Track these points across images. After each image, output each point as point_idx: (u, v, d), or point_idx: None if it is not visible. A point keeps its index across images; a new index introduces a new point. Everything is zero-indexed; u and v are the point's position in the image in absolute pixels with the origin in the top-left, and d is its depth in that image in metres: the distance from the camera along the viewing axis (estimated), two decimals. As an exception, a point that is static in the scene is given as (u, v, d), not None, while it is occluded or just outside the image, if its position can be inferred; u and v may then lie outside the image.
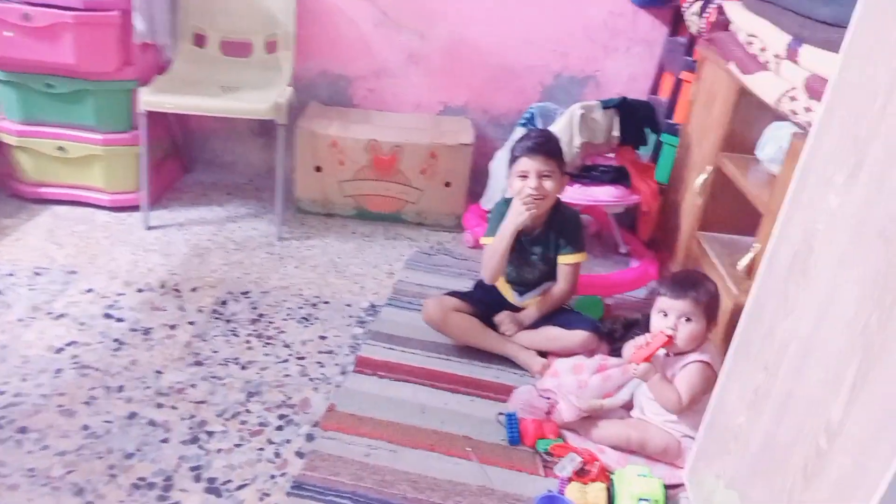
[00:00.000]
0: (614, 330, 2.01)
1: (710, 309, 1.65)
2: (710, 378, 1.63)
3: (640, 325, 2.06)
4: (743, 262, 1.75)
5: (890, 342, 0.86)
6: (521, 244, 1.92)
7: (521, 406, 1.68)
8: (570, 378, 1.85)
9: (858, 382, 0.89)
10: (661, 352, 1.65)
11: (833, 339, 0.98)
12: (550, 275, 1.97)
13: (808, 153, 1.12)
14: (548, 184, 1.90)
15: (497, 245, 1.88)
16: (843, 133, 1.04)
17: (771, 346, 1.18)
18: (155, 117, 2.39)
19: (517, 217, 1.89)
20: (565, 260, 1.94)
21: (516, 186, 1.91)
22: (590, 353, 1.86)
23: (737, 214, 2.05)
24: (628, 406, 1.74)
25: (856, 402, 0.89)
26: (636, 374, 1.62)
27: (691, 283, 1.67)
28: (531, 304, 1.97)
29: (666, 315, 1.65)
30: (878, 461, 0.85)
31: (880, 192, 0.92)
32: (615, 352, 1.90)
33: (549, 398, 1.69)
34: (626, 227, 2.62)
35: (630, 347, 1.69)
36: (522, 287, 2.00)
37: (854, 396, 0.90)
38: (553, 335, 1.88)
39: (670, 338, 1.63)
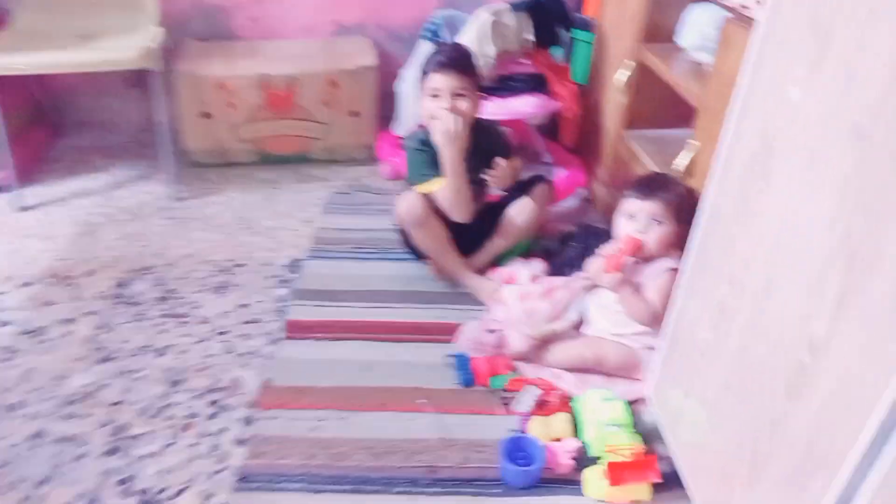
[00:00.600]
0: (550, 246, 2.00)
1: (681, 212, 1.60)
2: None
3: (575, 237, 2.06)
4: (682, 161, 1.66)
5: (881, 249, 0.77)
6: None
7: (469, 344, 1.64)
8: (517, 307, 1.79)
9: (845, 295, 0.84)
10: (630, 259, 1.62)
11: (807, 249, 0.92)
12: (481, 189, 1.91)
13: (759, 43, 1.01)
14: (463, 104, 1.78)
15: (453, 184, 1.80)
16: (798, 18, 0.93)
17: (734, 259, 1.12)
18: (6, 81, 2.11)
19: (451, 143, 1.77)
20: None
21: (429, 107, 1.77)
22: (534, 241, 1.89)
23: (663, 109, 2.04)
24: (579, 325, 1.71)
25: (843, 316, 0.84)
26: (606, 284, 1.56)
27: (660, 184, 1.62)
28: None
29: (634, 218, 1.58)
30: (874, 374, 0.81)
31: (850, 83, 0.82)
32: (556, 271, 1.88)
33: (496, 331, 1.65)
34: (548, 136, 2.63)
35: (595, 261, 1.63)
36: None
37: (840, 311, 0.85)
38: (506, 221, 1.86)
39: (640, 242, 1.57)
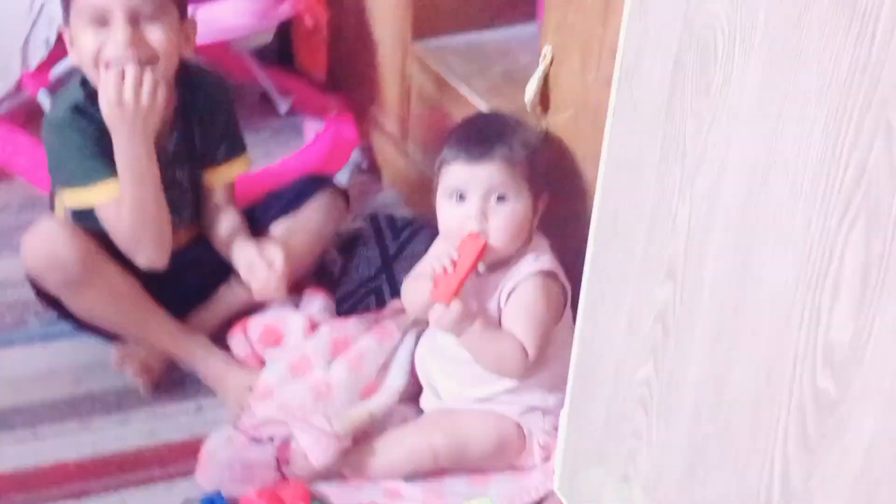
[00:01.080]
0: (327, 264, 2.01)
1: (536, 173, 1.55)
2: (557, 297, 1.57)
3: (365, 239, 2.04)
4: (531, 89, 1.62)
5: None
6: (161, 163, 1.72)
7: (225, 475, 1.54)
8: (294, 387, 1.68)
9: (875, 269, 0.82)
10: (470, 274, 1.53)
11: (800, 201, 0.90)
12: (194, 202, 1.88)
13: None
14: (154, 33, 1.61)
15: (136, 196, 1.64)
16: None
17: (672, 239, 1.09)
18: None
19: (130, 120, 1.58)
20: (225, 175, 1.85)
21: (84, 46, 1.60)
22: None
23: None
24: (410, 395, 1.70)
25: (878, 305, 0.83)
26: (442, 326, 1.49)
27: (495, 132, 1.56)
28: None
29: (463, 198, 1.52)
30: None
31: None
32: (346, 305, 1.91)
33: (271, 439, 1.59)
34: (280, 64, 2.56)
35: (411, 287, 1.62)
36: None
37: (872, 296, 0.83)
38: (284, 236, 1.83)
39: (483, 241, 1.51)
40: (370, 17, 2.28)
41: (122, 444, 1.66)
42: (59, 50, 2.19)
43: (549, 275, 1.55)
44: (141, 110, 1.58)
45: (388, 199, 2.32)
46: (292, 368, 1.70)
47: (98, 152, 1.65)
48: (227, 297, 1.86)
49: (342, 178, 2.32)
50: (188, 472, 1.59)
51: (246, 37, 2.13)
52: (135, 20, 1.58)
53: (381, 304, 1.91)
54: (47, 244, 1.66)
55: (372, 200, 2.32)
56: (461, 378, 1.62)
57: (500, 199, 1.52)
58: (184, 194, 1.81)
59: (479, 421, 1.58)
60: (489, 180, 1.51)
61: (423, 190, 2.10)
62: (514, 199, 1.52)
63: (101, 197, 1.66)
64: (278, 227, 1.83)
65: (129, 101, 1.56)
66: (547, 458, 1.58)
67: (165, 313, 1.77)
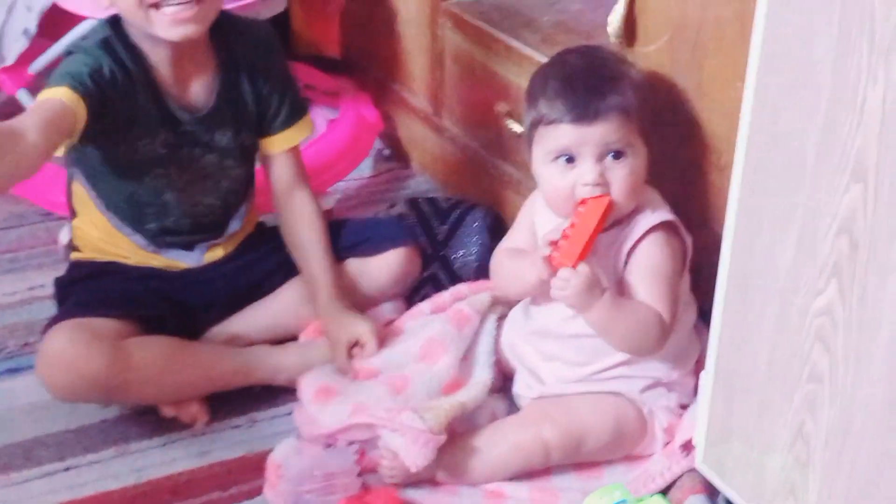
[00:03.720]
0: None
1: (646, 119, 1.48)
2: (680, 251, 1.51)
3: (409, 218, 1.98)
4: (616, 17, 1.58)
5: None
6: (181, 133, 1.65)
7: (304, 490, 1.48)
8: (365, 385, 1.62)
9: None
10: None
11: None
12: (244, 186, 1.79)
13: None
14: None
15: None
16: None
17: (859, 128, 1.03)
18: None
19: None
20: (287, 141, 1.75)
21: None
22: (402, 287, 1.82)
23: None
24: (500, 387, 1.64)
25: None
26: (571, 293, 1.41)
27: (605, 78, 1.47)
28: (217, 256, 1.79)
29: (573, 160, 1.44)
30: None
31: None
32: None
33: (354, 444, 1.54)
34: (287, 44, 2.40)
35: (512, 262, 1.56)
36: (193, 233, 1.75)
37: None
38: (352, 274, 1.79)
39: (610, 200, 1.44)
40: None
41: (170, 468, 1.59)
42: (37, 42, 2.10)
43: (669, 226, 1.49)
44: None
45: (421, 184, 2.27)
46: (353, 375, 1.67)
47: (96, 78, 1.54)
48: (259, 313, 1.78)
49: (364, 168, 2.27)
50: (253, 492, 1.54)
51: (257, 4, 2.04)
52: None
53: (438, 289, 1.83)
54: (65, 365, 1.54)
55: (403, 188, 2.26)
56: (569, 356, 1.55)
57: (618, 154, 1.45)
58: (227, 164, 1.71)
59: (595, 406, 1.52)
60: (605, 138, 1.43)
61: (461, 169, 2.08)
62: (632, 154, 1.45)
63: (48, 94, 1.50)
64: (350, 265, 1.78)
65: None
66: (668, 442, 1.51)
67: (214, 352, 1.70)
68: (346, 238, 1.79)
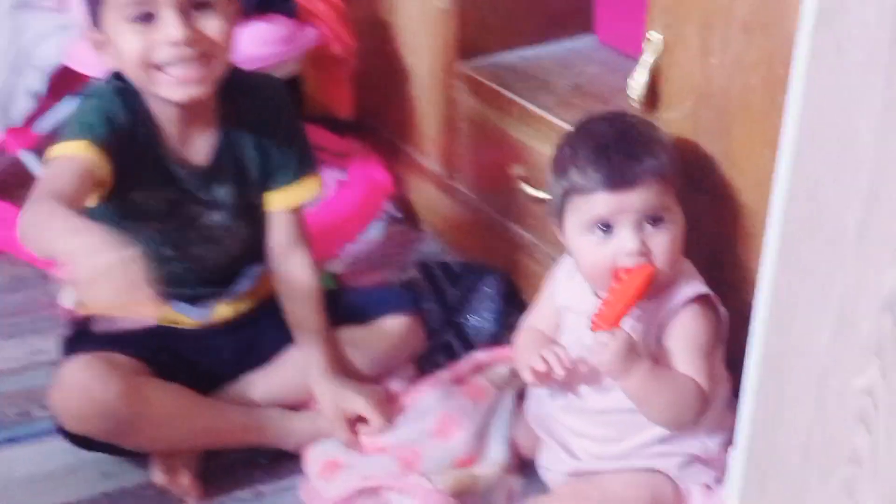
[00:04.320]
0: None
1: (677, 182, 1.45)
2: (716, 324, 1.47)
3: (423, 290, 1.97)
4: (638, 83, 1.55)
5: None
6: (179, 190, 1.61)
7: None
8: (374, 458, 1.60)
9: None
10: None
11: None
12: (253, 247, 1.72)
13: None
14: (211, 23, 1.50)
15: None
16: None
17: None
18: None
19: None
20: (292, 198, 1.69)
21: (128, 48, 1.48)
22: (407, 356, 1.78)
23: (519, 14, 2.04)
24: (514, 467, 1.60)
25: None
26: (608, 357, 1.37)
27: (638, 143, 1.43)
28: (224, 315, 1.74)
29: (609, 228, 1.39)
30: None
31: None
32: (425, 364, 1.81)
33: None
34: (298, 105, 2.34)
35: (526, 349, 1.50)
36: (197, 286, 1.70)
37: None
38: (351, 344, 1.74)
39: (653, 269, 1.40)
40: (400, 43, 2.22)
41: None
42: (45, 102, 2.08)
43: (706, 300, 1.45)
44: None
45: (432, 247, 2.23)
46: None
47: (110, 122, 1.51)
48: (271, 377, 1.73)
49: (374, 231, 2.23)
50: None
51: (271, 67, 2.01)
52: (185, 8, 1.47)
53: (453, 360, 1.80)
54: (80, 391, 1.51)
55: (414, 251, 2.23)
56: (598, 433, 1.50)
57: (656, 221, 1.40)
58: (216, 228, 1.66)
59: (630, 484, 1.47)
60: (643, 205, 1.39)
61: (473, 232, 2.05)
62: (671, 220, 1.41)
63: (68, 149, 1.47)
64: (347, 334, 1.73)
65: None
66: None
67: (227, 407, 1.67)
68: (345, 305, 1.75)
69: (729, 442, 1.49)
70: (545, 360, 1.43)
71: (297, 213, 1.71)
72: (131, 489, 1.62)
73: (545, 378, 1.45)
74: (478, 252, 2.07)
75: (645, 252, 1.39)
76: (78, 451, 1.62)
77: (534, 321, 1.57)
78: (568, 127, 1.75)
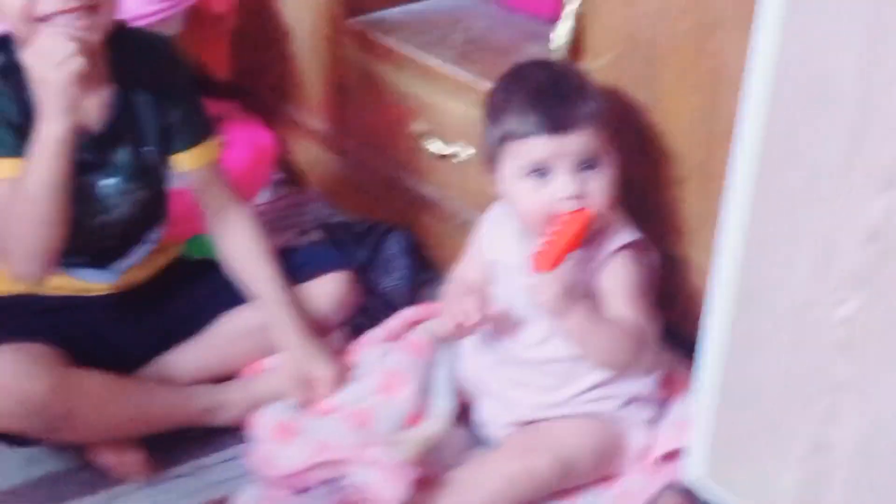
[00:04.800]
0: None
1: (611, 128, 1.46)
2: (650, 268, 1.50)
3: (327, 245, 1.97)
4: (562, 33, 1.57)
5: None
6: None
7: None
8: (324, 422, 1.56)
9: None
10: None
11: None
12: (151, 211, 1.66)
13: None
14: None
15: (43, 176, 1.41)
16: None
17: (891, 135, 1.02)
18: None
19: (60, 88, 1.39)
20: (203, 155, 1.64)
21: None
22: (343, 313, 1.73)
23: None
24: (464, 417, 1.59)
25: None
26: (548, 297, 1.38)
27: (573, 88, 1.44)
28: (136, 277, 1.67)
29: (545, 173, 1.41)
30: None
31: None
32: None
33: (327, 485, 1.49)
34: None
35: (452, 302, 1.50)
36: (98, 254, 1.63)
37: None
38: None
39: (589, 212, 1.41)
40: (279, 1, 2.16)
41: None
42: None
43: (640, 245, 1.47)
44: (77, 77, 1.39)
45: (321, 209, 2.18)
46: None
47: (9, 123, 1.46)
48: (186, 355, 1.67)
49: (260, 196, 2.17)
50: None
51: (152, 26, 1.92)
52: None
53: (372, 320, 1.76)
54: (7, 383, 1.43)
55: (303, 214, 2.18)
56: (541, 382, 1.51)
57: (592, 165, 1.42)
58: (129, 188, 1.59)
59: (578, 430, 1.48)
60: (580, 149, 1.40)
61: (368, 192, 2.03)
62: (605, 164, 1.43)
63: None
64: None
65: (69, 65, 1.38)
66: (643, 457, 1.49)
67: (153, 389, 1.60)
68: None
69: (664, 380, 1.53)
70: (458, 314, 1.45)
71: (215, 168, 1.65)
72: (60, 474, 1.55)
73: (466, 330, 1.46)
74: (374, 211, 2.04)
75: (582, 196, 1.40)
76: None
77: (461, 273, 1.56)
78: (470, 80, 1.77)
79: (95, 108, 1.52)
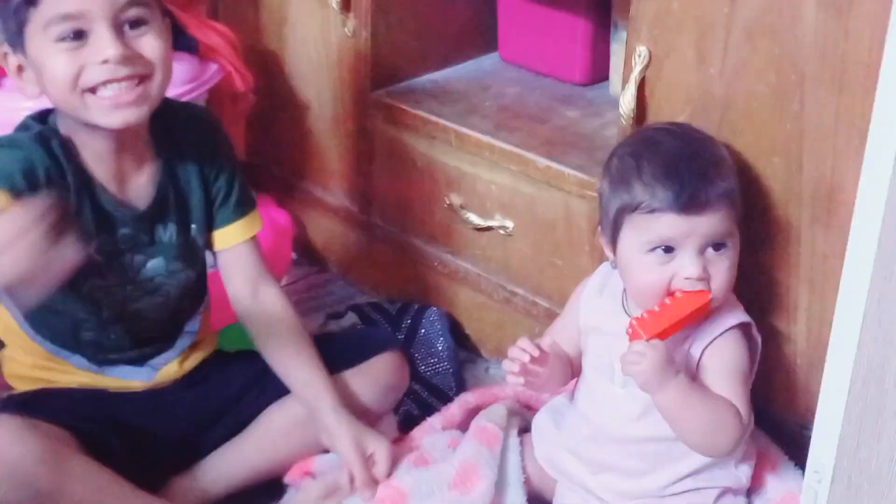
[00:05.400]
0: None
1: (741, 209, 1.39)
2: (754, 353, 1.42)
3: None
4: (628, 98, 1.51)
5: None
6: (119, 238, 1.47)
7: None
8: None
9: None
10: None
11: None
12: (192, 295, 1.60)
13: None
14: (147, 41, 1.39)
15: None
16: None
17: None
18: None
19: None
20: (244, 231, 1.59)
21: (57, 70, 1.35)
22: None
23: (428, 37, 1.98)
24: None
25: None
26: (644, 367, 1.31)
27: (707, 161, 1.36)
28: (173, 373, 1.59)
29: (672, 250, 1.33)
30: None
31: None
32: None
33: None
34: None
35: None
36: (137, 348, 1.55)
37: None
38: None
39: (709, 296, 1.34)
40: (290, 75, 2.11)
41: None
42: None
43: (747, 327, 1.40)
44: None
45: (344, 288, 2.11)
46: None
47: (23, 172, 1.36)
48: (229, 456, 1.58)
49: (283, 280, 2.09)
50: None
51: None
52: (118, 25, 1.35)
53: (420, 406, 1.69)
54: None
55: (327, 295, 2.10)
56: (628, 465, 1.43)
57: (718, 246, 1.35)
58: (174, 268, 1.53)
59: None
60: (711, 230, 1.33)
61: (397, 269, 1.96)
62: (732, 245, 1.36)
63: None
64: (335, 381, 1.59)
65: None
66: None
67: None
68: (322, 354, 1.60)
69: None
70: (515, 357, 1.38)
71: (255, 243, 1.59)
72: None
73: (531, 373, 1.40)
74: (403, 289, 1.97)
75: (705, 278, 1.33)
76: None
77: (553, 335, 1.48)
78: (508, 149, 1.71)
79: (143, 184, 1.47)
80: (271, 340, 1.56)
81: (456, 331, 1.89)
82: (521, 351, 1.38)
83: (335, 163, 2.07)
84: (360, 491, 1.47)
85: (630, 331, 1.31)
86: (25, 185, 1.34)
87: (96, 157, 1.42)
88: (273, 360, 1.55)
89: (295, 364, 1.54)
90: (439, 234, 1.89)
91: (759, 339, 1.41)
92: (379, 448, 1.49)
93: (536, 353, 1.38)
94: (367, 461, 1.48)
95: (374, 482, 1.48)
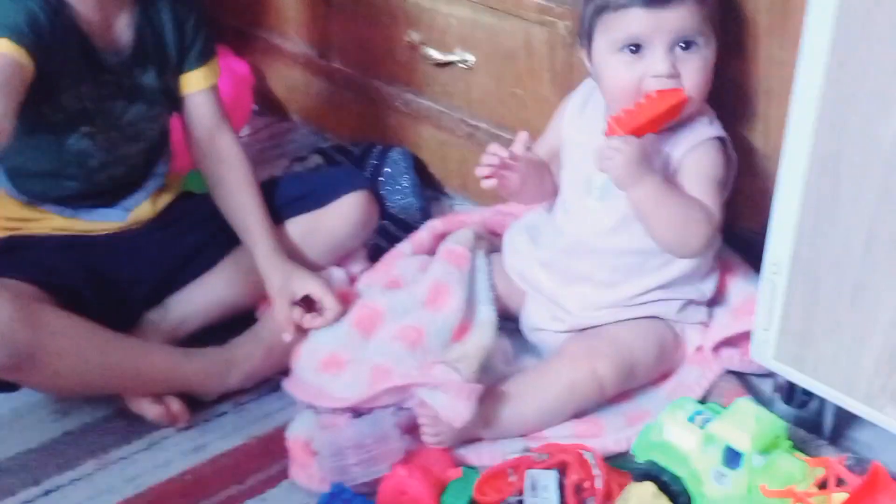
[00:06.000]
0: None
1: (714, 6, 1.40)
2: (730, 167, 1.45)
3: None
4: None
5: None
6: (107, 82, 1.50)
7: (352, 463, 1.36)
8: (375, 343, 1.51)
9: None
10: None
11: None
12: (165, 138, 1.65)
13: None
14: None
15: None
16: None
17: None
18: None
19: None
20: (207, 77, 1.61)
21: None
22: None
23: None
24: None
25: None
26: (620, 163, 1.33)
27: None
28: (146, 214, 1.63)
29: (639, 49, 1.35)
30: None
31: None
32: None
33: (388, 407, 1.45)
34: None
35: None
36: (113, 191, 1.60)
37: None
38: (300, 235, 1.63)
39: (683, 94, 1.36)
40: None
41: (168, 471, 1.42)
42: None
43: (724, 142, 1.43)
44: None
45: (308, 135, 2.13)
46: (357, 323, 1.52)
47: (27, 20, 1.36)
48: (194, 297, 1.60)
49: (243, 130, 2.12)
50: (273, 480, 1.41)
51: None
52: None
53: (389, 239, 1.73)
54: None
55: (290, 142, 2.12)
56: (602, 276, 1.46)
57: (688, 45, 1.36)
58: (153, 112, 1.56)
59: (639, 334, 1.45)
60: (679, 25, 1.34)
61: (359, 112, 1.97)
62: (705, 45, 1.37)
63: None
64: (295, 226, 1.62)
65: None
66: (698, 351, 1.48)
67: (145, 346, 1.51)
68: (284, 195, 1.64)
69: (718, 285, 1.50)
70: (486, 162, 1.40)
71: (215, 91, 1.61)
72: (97, 424, 1.48)
73: (498, 177, 1.41)
74: (364, 133, 1.98)
75: (675, 75, 1.35)
76: (21, 395, 1.48)
77: (535, 149, 1.50)
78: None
79: (125, 28, 1.49)
80: (220, 187, 1.59)
81: (420, 170, 1.91)
82: (491, 155, 1.40)
83: (291, 9, 2.06)
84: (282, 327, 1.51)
85: (607, 129, 1.34)
86: (30, 34, 1.34)
87: (82, 6, 1.42)
88: (221, 205, 1.58)
89: (239, 212, 1.57)
90: (400, 73, 1.89)
91: (735, 158, 1.44)
92: (313, 288, 1.52)
93: (506, 155, 1.39)
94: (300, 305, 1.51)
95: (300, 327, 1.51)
